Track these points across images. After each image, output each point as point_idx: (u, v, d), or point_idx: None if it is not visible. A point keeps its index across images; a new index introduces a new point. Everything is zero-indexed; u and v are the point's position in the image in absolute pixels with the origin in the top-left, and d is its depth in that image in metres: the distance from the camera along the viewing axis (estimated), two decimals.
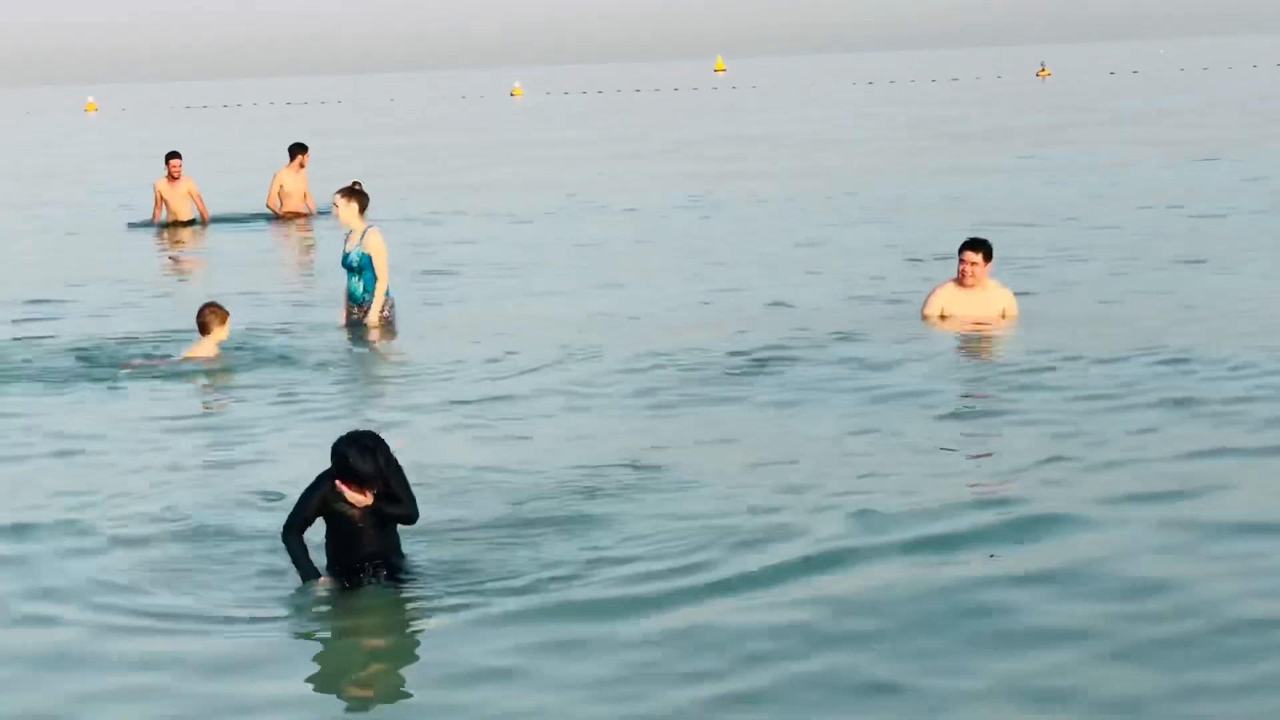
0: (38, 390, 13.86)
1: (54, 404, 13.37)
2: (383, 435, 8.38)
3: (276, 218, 28.38)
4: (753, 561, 8.58)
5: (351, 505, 8.24)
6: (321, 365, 14.76)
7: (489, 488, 10.24)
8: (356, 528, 8.30)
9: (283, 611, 8.20)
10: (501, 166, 41.76)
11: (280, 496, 9.95)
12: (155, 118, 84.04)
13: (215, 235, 26.93)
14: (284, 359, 15.03)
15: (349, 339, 16.14)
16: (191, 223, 27.91)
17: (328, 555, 8.46)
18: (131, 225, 28.50)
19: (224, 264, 22.99)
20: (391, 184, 34.40)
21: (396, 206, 29.51)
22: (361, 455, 8.11)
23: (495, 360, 14.78)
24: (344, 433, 8.41)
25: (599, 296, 18.42)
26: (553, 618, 7.93)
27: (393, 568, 8.46)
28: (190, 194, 28.09)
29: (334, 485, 8.22)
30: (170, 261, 24.53)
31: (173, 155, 28.07)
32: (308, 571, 8.34)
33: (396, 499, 8.31)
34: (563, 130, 62.65)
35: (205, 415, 12.94)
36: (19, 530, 9.62)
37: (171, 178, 27.91)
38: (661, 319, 16.81)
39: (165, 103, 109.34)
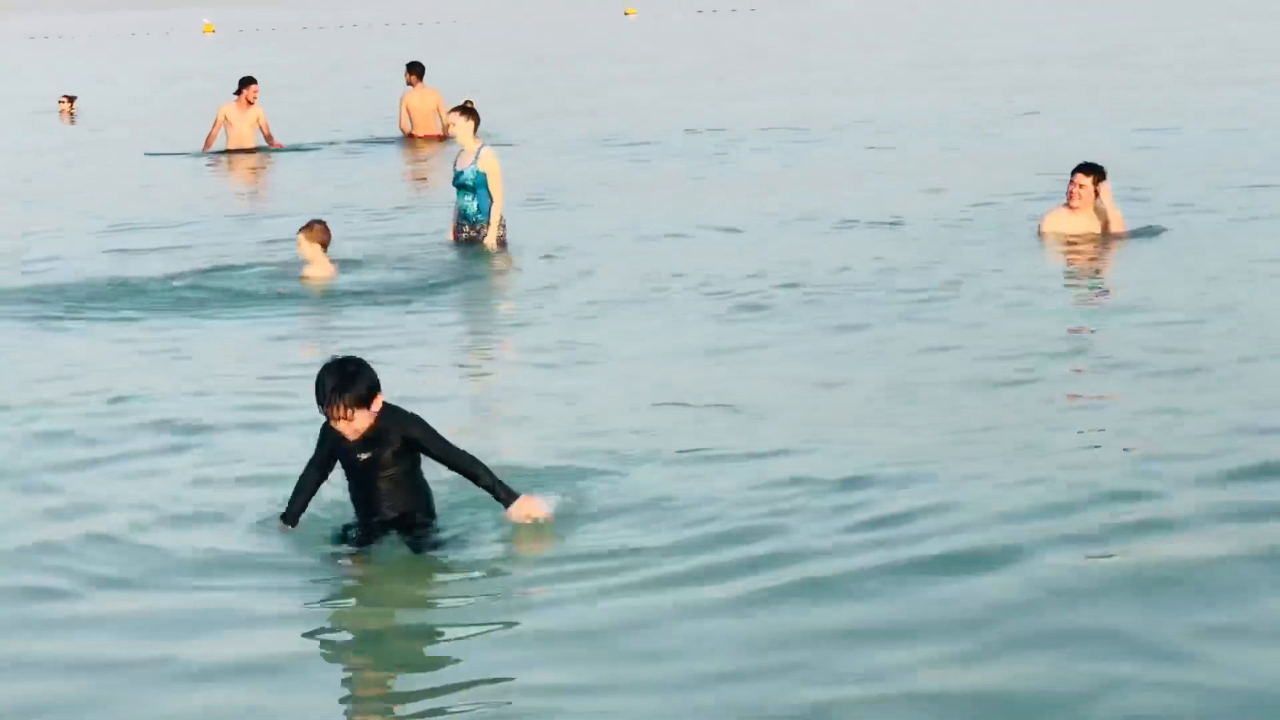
0: (151, 317, 13.87)
1: (169, 329, 13.48)
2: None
3: (408, 139, 27.85)
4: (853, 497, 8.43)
5: (342, 437, 7.46)
6: (434, 287, 14.83)
7: (593, 426, 9.86)
8: (366, 478, 7.61)
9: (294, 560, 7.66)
10: (618, 89, 41.48)
11: None
12: (274, 40, 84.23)
13: (335, 159, 26.75)
14: (394, 281, 15.10)
15: (460, 258, 16.19)
16: (254, 150, 26.76)
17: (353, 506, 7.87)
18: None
19: (339, 185, 22.99)
20: (505, 106, 34.30)
21: (510, 128, 29.42)
22: (328, 377, 7.33)
23: (607, 285, 14.70)
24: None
25: (717, 222, 18.16)
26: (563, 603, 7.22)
27: (408, 527, 7.66)
28: (259, 121, 27.08)
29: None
30: (265, 186, 24.27)
31: (249, 80, 26.96)
32: (286, 513, 7.78)
33: (451, 462, 7.61)
34: (682, 51, 62.15)
35: (312, 337, 12.97)
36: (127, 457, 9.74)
37: (247, 103, 26.84)
38: (778, 241, 16.70)
39: (282, 24, 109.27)
